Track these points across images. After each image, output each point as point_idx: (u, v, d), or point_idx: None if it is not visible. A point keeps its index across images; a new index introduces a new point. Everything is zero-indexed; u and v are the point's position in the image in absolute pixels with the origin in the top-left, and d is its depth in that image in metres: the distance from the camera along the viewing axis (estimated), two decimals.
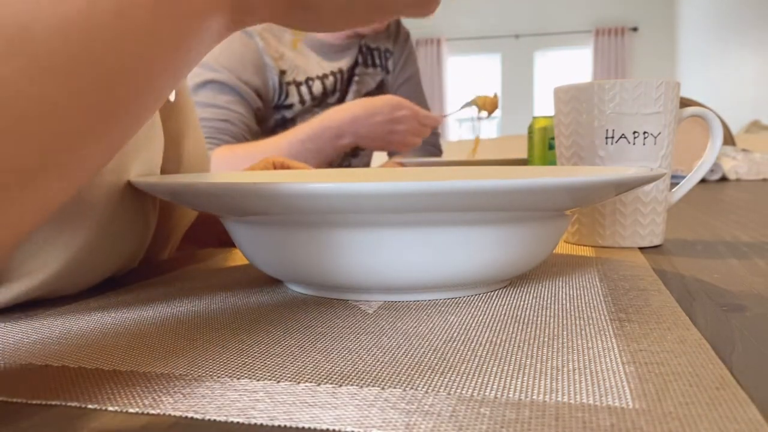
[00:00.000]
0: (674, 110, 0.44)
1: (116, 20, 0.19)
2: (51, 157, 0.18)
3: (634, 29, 6.80)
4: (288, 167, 0.60)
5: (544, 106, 6.98)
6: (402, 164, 1.19)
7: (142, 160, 0.33)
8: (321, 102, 1.16)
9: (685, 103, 1.25)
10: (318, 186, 0.24)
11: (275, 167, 0.61)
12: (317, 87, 1.14)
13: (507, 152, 2.43)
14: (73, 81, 0.18)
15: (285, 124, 1.13)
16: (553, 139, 0.87)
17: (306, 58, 1.14)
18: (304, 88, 1.13)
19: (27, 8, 0.17)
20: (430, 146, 1.40)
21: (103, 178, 0.30)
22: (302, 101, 1.13)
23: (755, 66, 4.72)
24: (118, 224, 0.33)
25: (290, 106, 1.13)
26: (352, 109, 1.01)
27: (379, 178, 0.47)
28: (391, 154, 1.36)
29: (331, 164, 1.19)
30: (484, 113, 1.12)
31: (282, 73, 1.10)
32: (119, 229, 0.33)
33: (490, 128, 6.99)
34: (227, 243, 0.55)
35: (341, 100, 1.20)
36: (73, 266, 0.30)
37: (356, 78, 1.22)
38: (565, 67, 7.08)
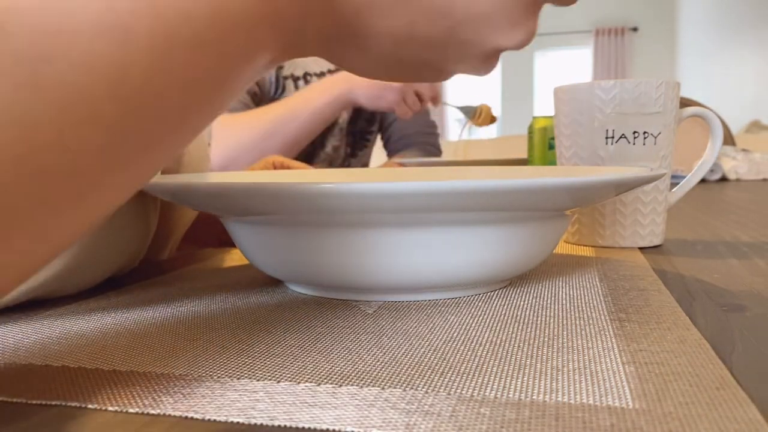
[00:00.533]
0: (674, 110, 0.44)
1: (150, 60, 0.17)
2: (72, 192, 0.17)
3: (634, 29, 6.80)
4: (288, 167, 0.60)
5: (544, 106, 6.97)
6: (402, 164, 1.19)
7: None
8: None
9: (685, 103, 1.25)
10: (318, 186, 0.24)
11: (275, 167, 0.61)
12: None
13: (507, 152, 2.43)
14: (96, 120, 0.17)
15: None
16: (553, 139, 0.87)
17: None
18: (301, 83, 1.13)
19: (55, 42, 0.16)
20: (430, 146, 1.40)
21: None
22: None
23: (755, 66, 4.72)
24: (118, 224, 0.33)
25: None
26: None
27: (379, 178, 0.47)
28: (390, 155, 1.36)
29: (331, 164, 1.19)
30: (471, 124, 1.14)
31: (279, 67, 1.11)
32: (120, 229, 0.33)
33: (490, 128, 6.99)
34: (227, 243, 0.55)
35: None
36: (74, 267, 0.30)
37: None
38: (565, 67, 7.08)
